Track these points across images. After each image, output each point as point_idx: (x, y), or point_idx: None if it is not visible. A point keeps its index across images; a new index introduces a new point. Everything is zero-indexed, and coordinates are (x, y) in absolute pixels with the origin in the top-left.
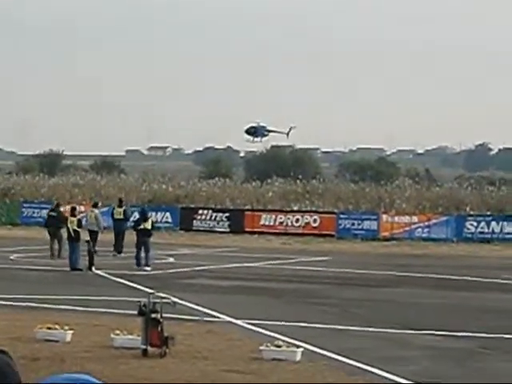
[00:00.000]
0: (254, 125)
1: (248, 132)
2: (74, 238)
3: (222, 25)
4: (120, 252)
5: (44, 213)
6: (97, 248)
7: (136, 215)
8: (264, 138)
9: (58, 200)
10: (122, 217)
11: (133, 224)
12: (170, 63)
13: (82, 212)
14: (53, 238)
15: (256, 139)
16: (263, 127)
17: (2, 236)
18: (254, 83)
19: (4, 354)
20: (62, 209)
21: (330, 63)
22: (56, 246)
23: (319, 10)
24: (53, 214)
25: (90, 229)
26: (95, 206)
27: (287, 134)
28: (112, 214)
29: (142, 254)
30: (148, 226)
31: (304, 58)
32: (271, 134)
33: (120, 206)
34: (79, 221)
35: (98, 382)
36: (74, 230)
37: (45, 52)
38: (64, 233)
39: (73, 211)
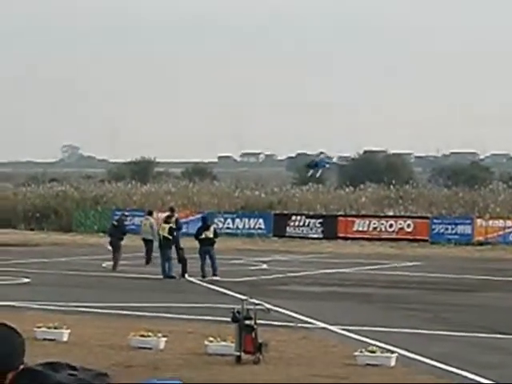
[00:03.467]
0: (314, 159)
1: (309, 166)
2: (164, 246)
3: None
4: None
5: (137, 220)
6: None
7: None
8: (325, 169)
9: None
10: (173, 226)
11: (195, 233)
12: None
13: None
14: (113, 248)
15: (317, 172)
16: (323, 160)
17: (94, 244)
18: (350, 89)
19: (106, 376)
20: (152, 219)
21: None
22: (117, 256)
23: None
24: (114, 223)
25: (145, 238)
26: (150, 214)
27: (344, 165)
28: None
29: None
30: (210, 234)
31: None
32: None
33: (172, 215)
34: (170, 228)
35: None
36: (165, 237)
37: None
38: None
39: (167, 218)
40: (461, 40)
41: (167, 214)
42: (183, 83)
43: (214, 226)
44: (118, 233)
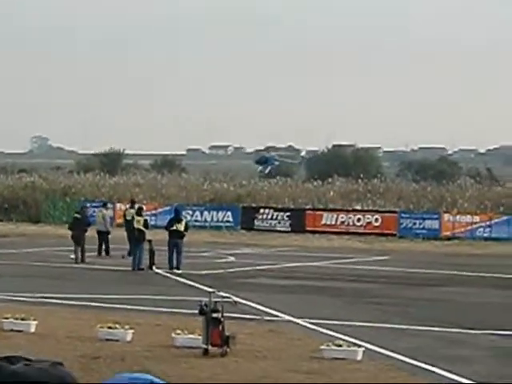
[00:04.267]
0: (264, 154)
1: (258, 162)
2: (138, 238)
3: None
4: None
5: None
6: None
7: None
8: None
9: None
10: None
11: (165, 224)
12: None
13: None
14: (76, 242)
15: (266, 168)
16: (273, 157)
17: (62, 235)
18: (313, 83)
19: (61, 366)
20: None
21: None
22: (79, 250)
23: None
24: (77, 216)
25: (99, 229)
26: (104, 205)
27: (299, 163)
28: (124, 215)
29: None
30: (181, 227)
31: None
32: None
33: (132, 207)
34: (145, 221)
35: (160, 381)
36: (139, 230)
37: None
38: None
39: (139, 211)
40: (433, 38)
41: (137, 206)
42: (154, 75)
43: (186, 219)
44: (81, 225)
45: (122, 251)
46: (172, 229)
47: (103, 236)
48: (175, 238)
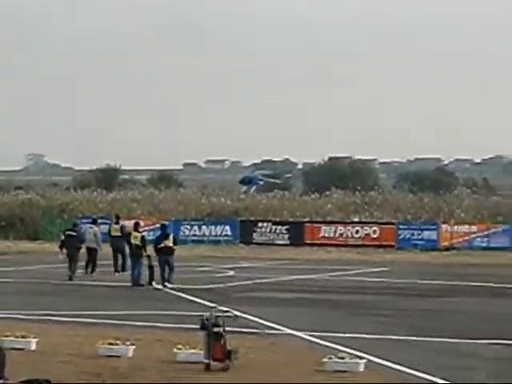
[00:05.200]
0: (248, 175)
1: (242, 182)
2: (136, 254)
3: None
4: (123, 270)
5: (103, 228)
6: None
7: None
8: (257, 186)
9: (117, 214)
10: (119, 234)
11: (154, 242)
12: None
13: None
14: (70, 259)
15: (251, 188)
16: (256, 177)
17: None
18: (310, 95)
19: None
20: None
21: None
22: (73, 268)
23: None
24: (71, 233)
25: (89, 246)
26: (94, 222)
27: (281, 184)
28: (109, 231)
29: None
30: (169, 243)
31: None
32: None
33: (117, 222)
34: (142, 237)
35: None
36: (137, 246)
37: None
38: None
39: (136, 226)
40: (429, 51)
41: (134, 221)
42: (150, 90)
43: (172, 234)
44: (76, 242)
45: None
46: (161, 246)
47: (93, 253)
48: (165, 254)
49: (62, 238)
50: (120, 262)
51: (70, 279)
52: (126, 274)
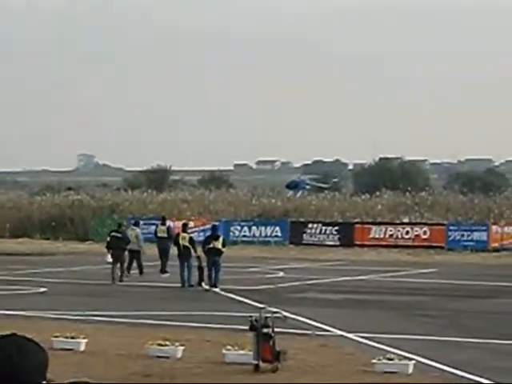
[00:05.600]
0: (295, 179)
1: (289, 186)
2: (184, 255)
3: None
4: (164, 272)
5: (152, 229)
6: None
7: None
8: (304, 190)
9: (164, 215)
10: (165, 235)
11: (202, 242)
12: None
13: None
14: (115, 261)
15: (297, 193)
16: (303, 181)
17: None
18: (359, 97)
19: None
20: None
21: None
22: (117, 270)
23: None
24: (117, 234)
25: (131, 248)
26: (136, 224)
27: (328, 188)
28: (155, 232)
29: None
30: (218, 245)
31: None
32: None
33: (163, 223)
34: (191, 238)
35: None
36: (185, 246)
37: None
38: (127, 256)
39: (184, 227)
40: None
41: (183, 222)
42: (202, 91)
43: (223, 236)
44: (122, 243)
45: (175, 268)
46: (209, 247)
47: (135, 255)
48: (213, 255)
49: (108, 239)
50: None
51: (114, 281)
52: (170, 275)
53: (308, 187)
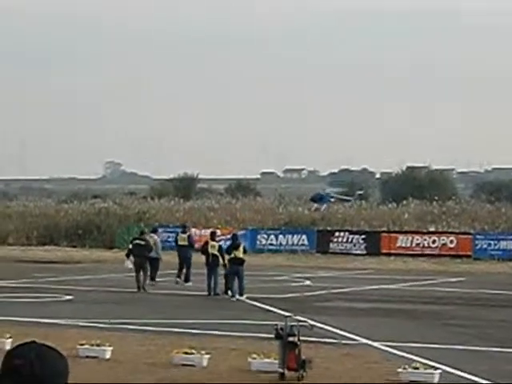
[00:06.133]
0: (320, 192)
1: (313, 199)
2: (213, 263)
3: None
4: (186, 281)
5: (173, 237)
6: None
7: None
8: (329, 204)
9: (186, 223)
10: (186, 243)
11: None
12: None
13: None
14: (138, 268)
15: (322, 206)
16: (328, 194)
17: None
18: (381, 106)
19: None
20: (152, 236)
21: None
22: (141, 278)
23: None
24: (140, 242)
25: (150, 256)
26: (154, 231)
27: (354, 200)
28: (176, 240)
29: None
30: (239, 254)
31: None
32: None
33: (184, 231)
34: (220, 246)
35: None
36: (214, 255)
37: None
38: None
39: (213, 236)
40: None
41: (211, 231)
42: (229, 100)
43: (243, 244)
44: (144, 251)
45: (199, 276)
46: (231, 257)
47: (154, 262)
48: (235, 264)
49: (130, 246)
50: (184, 271)
51: (139, 289)
52: (190, 284)
53: (332, 200)
